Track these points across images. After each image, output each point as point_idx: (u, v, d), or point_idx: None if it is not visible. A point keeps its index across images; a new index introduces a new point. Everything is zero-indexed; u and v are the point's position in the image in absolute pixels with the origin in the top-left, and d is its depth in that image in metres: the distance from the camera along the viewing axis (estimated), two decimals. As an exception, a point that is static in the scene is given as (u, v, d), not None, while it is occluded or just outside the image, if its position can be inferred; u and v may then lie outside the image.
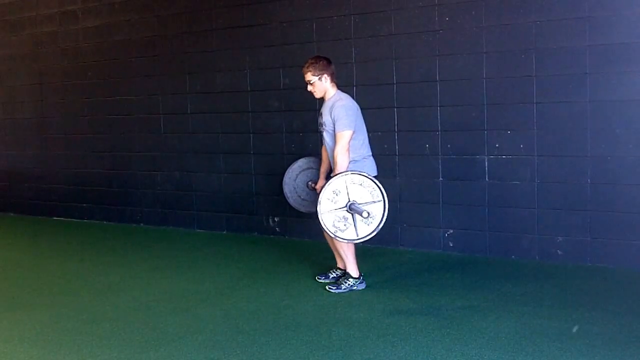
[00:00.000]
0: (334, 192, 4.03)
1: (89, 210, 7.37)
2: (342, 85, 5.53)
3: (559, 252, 4.86)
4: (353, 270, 4.37)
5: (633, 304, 3.90)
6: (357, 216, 4.04)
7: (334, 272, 4.62)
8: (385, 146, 5.36)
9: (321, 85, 4.33)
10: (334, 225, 4.05)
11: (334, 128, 4.21)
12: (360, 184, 4.05)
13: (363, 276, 4.43)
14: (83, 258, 5.68)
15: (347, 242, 4.21)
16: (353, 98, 4.50)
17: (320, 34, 5.66)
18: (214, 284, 4.70)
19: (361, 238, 4.08)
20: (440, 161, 5.22)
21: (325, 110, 4.34)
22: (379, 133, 5.41)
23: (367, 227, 4.07)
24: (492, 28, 4.94)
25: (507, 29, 4.89)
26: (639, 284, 4.30)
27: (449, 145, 5.17)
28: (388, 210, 4.07)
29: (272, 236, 6.16)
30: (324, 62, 4.33)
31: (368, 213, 3.98)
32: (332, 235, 4.09)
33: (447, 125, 5.16)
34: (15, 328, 3.89)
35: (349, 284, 4.35)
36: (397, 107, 5.37)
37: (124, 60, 6.88)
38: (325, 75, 4.31)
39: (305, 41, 5.73)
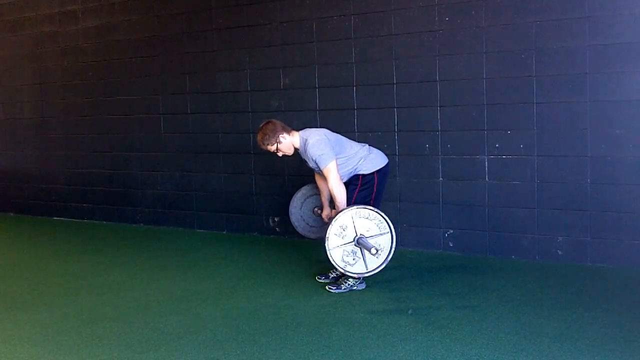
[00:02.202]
0: (341, 227, 4.08)
1: (89, 210, 7.37)
2: (342, 85, 5.57)
3: (559, 252, 4.86)
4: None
5: (633, 304, 3.90)
6: (365, 250, 4.08)
7: (334, 272, 4.62)
8: (385, 146, 5.36)
9: (285, 144, 4.36)
10: (342, 260, 4.10)
11: (319, 167, 4.26)
12: (367, 217, 4.12)
13: (363, 276, 4.44)
14: (83, 258, 5.67)
15: (357, 276, 4.24)
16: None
17: (320, 34, 5.66)
18: (214, 284, 4.70)
19: (371, 271, 4.16)
20: (440, 161, 5.22)
21: (305, 157, 4.40)
22: (379, 133, 5.42)
23: (376, 260, 4.14)
24: (492, 28, 4.94)
25: (507, 29, 4.89)
26: (639, 284, 4.30)
27: (449, 145, 5.17)
28: (396, 242, 4.13)
29: (272, 236, 6.16)
30: (270, 127, 4.33)
31: (377, 249, 4.03)
32: (342, 271, 4.13)
33: (447, 125, 5.16)
34: (15, 328, 3.89)
35: (349, 284, 4.35)
36: (397, 107, 5.37)
37: (124, 60, 6.88)
38: (279, 135, 4.33)
39: (305, 41, 5.73)
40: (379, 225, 4.13)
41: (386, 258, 4.14)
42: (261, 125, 4.41)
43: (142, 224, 6.99)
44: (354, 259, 4.13)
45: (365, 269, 4.15)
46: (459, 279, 4.57)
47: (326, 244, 4.06)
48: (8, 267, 5.46)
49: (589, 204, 4.72)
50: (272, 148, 4.35)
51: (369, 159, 4.37)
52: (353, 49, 5.50)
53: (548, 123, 4.81)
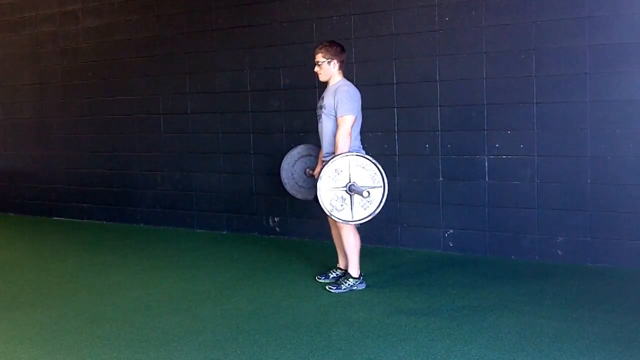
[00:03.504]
0: (336, 170, 4.02)
1: (89, 210, 7.37)
2: (342, 85, 5.56)
3: (559, 252, 4.86)
4: (354, 270, 4.37)
5: (633, 304, 3.90)
6: (354, 198, 4.02)
7: (334, 272, 4.62)
8: (385, 146, 5.36)
9: (328, 69, 4.34)
10: (330, 204, 4.04)
11: (336, 112, 4.21)
12: (363, 167, 4.04)
13: (363, 276, 4.43)
14: (83, 258, 5.67)
15: (341, 222, 4.17)
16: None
17: (320, 34, 5.66)
18: (214, 284, 4.70)
19: (356, 220, 4.07)
20: (440, 161, 5.22)
21: (327, 93, 4.34)
22: (379, 133, 5.42)
23: (363, 211, 4.06)
24: (492, 28, 4.94)
25: (507, 29, 4.89)
26: (639, 284, 4.30)
27: (449, 145, 5.17)
28: (387, 197, 4.06)
29: (272, 236, 6.16)
30: (338, 48, 4.35)
31: (368, 192, 3.96)
32: (327, 214, 4.07)
33: (447, 125, 5.16)
34: (15, 328, 3.89)
35: (349, 284, 4.35)
36: (397, 107, 5.37)
37: (124, 60, 6.88)
38: (335, 61, 4.32)
39: (305, 41, 5.73)
40: (374, 178, 4.05)
41: (374, 211, 4.05)
42: (336, 41, 4.43)
43: (142, 224, 6.99)
44: (342, 205, 4.05)
45: (350, 216, 4.08)
46: (459, 279, 4.57)
47: (318, 184, 4.01)
48: (8, 267, 5.46)
49: (589, 204, 4.73)
50: (321, 60, 4.32)
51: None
52: (353, 49, 5.50)
53: (548, 123, 4.81)
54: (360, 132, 4.42)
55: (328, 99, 4.28)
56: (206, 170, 6.49)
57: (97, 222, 7.28)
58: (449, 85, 5.13)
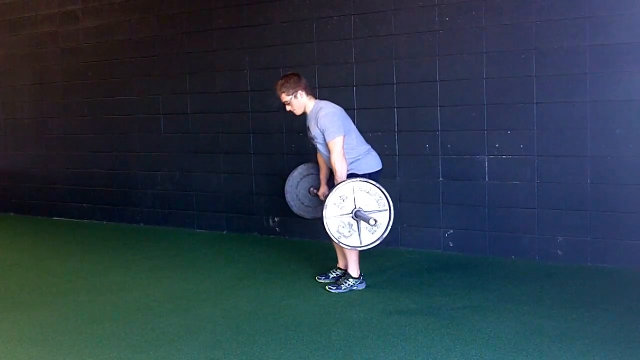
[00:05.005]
0: (340, 197, 4.04)
1: (89, 210, 7.37)
2: (342, 85, 5.57)
3: (559, 252, 4.86)
4: (354, 270, 4.37)
5: (633, 304, 3.90)
6: (361, 224, 4.05)
7: (334, 272, 4.62)
8: (385, 146, 5.36)
9: (298, 102, 4.31)
10: (337, 231, 4.06)
11: (325, 138, 4.20)
12: (368, 192, 4.07)
13: (363, 276, 4.43)
14: (83, 258, 5.68)
15: (350, 249, 4.22)
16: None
17: (320, 34, 5.66)
18: (214, 284, 4.70)
19: (364, 246, 4.10)
20: (440, 161, 5.22)
21: (310, 122, 4.33)
22: (379, 133, 5.42)
23: (371, 235, 4.09)
24: (492, 28, 4.94)
25: (507, 29, 4.89)
26: (639, 284, 4.30)
27: (449, 145, 5.17)
28: (393, 220, 4.08)
29: (272, 236, 6.16)
30: (294, 78, 4.30)
31: (375, 220, 3.98)
32: (336, 241, 4.10)
33: (447, 125, 5.16)
34: (15, 328, 3.89)
35: (349, 284, 4.35)
36: (397, 107, 5.37)
37: (124, 60, 6.88)
38: (299, 91, 4.28)
39: (305, 41, 5.73)
40: (379, 202, 4.06)
41: (381, 235, 4.07)
42: (288, 73, 4.38)
43: (142, 224, 6.99)
44: (349, 232, 4.07)
45: (359, 242, 4.09)
46: (459, 279, 4.57)
47: (324, 212, 4.02)
48: (8, 267, 5.46)
49: (589, 204, 4.72)
50: (286, 98, 4.30)
51: (366, 159, 4.34)
52: (353, 49, 5.50)
53: (548, 123, 4.81)
54: (361, 133, 4.42)
55: (314, 129, 4.27)
56: (206, 170, 6.49)
57: (97, 222, 7.28)
58: (449, 85, 5.13)
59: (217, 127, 6.35)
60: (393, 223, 4.07)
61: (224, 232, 6.44)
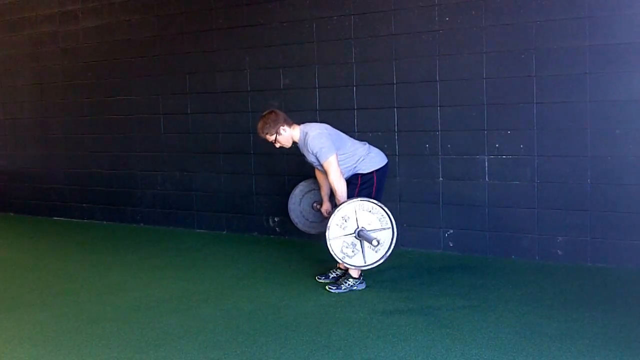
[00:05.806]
0: (343, 218, 4.06)
1: (89, 210, 7.37)
2: (342, 85, 5.57)
3: (559, 252, 4.86)
4: (354, 270, 4.37)
5: (633, 304, 3.90)
6: (365, 243, 4.06)
7: (334, 272, 4.62)
8: (385, 146, 5.36)
9: (284, 137, 4.34)
10: (341, 251, 4.09)
11: (319, 161, 4.24)
12: (370, 211, 4.09)
13: (363, 276, 4.43)
14: (83, 258, 5.67)
15: (355, 269, 4.23)
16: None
17: (320, 34, 5.66)
18: (214, 284, 4.70)
19: (369, 265, 4.13)
20: (440, 161, 5.22)
21: (304, 150, 4.37)
22: (379, 133, 5.42)
23: (375, 254, 4.13)
24: (492, 28, 4.94)
25: (507, 29, 4.89)
26: (639, 284, 4.30)
27: (449, 145, 5.17)
28: (397, 238, 4.11)
29: (272, 236, 6.16)
30: (272, 117, 4.32)
31: (378, 241, 4.00)
32: (340, 261, 4.12)
33: (447, 125, 5.16)
34: (15, 328, 3.89)
35: (349, 284, 4.35)
36: (397, 107, 5.37)
37: (124, 60, 6.88)
38: (281, 126, 4.31)
39: (305, 41, 5.73)
40: (381, 220, 4.11)
41: (385, 253, 4.12)
42: (264, 113, 4.39)
43: (142, 224, 6.99)
44: (353, 251, 4.11)
45: (363, 262, 4.13)
46: (459, 279, 4.57)
47: (327, 234, 4.05)
48: (8, 267, 5.46)
49: (589, 204, 4.72)
50: (271, 138, 4.34)
51: (369, 158, 4.36)
52: (353, 49, 5.50)
53: (548, 123, 4.81)
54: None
55: (308, 155, 4.31)
56: (206, 170, 6.49)
57: (97, 222, 7.28)
58: (449, 85, 5.13)
59: (217, 127, 6.35)
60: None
61: (224, 232, 6.44)
